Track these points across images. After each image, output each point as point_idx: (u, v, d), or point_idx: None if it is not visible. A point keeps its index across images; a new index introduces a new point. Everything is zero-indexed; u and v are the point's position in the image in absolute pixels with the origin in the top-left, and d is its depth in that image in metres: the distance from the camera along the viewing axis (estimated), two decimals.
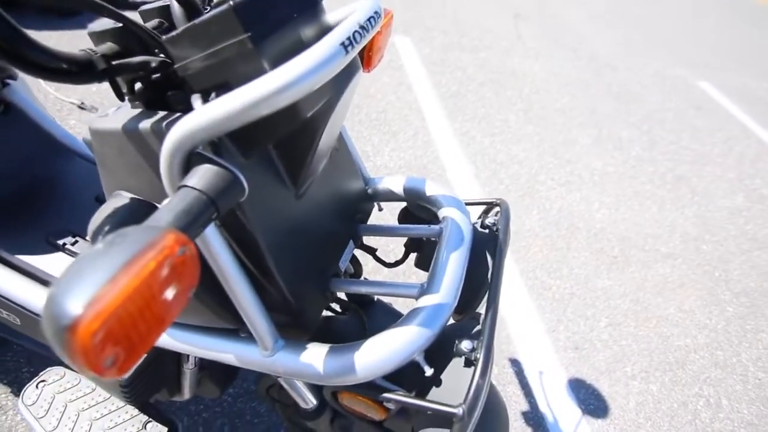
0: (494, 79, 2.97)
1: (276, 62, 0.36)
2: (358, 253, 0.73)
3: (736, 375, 1.59)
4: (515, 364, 1.49)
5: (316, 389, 0.67)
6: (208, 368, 0.90)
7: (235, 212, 0.44)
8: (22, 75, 1.07)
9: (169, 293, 0.29)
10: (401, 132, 2.36)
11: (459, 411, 0.43)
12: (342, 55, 0.33)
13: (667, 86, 3.30)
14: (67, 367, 1.01)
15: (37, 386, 0.88)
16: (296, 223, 0.51)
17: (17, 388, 1.19)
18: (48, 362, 1.00)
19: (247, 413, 1.26)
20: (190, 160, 0.36)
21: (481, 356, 0.45)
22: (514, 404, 1.37)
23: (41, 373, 0.97)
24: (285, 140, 0.46)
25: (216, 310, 0.51)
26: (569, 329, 1.63)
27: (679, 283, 1.89)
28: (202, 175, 0.35)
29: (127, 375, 0.67)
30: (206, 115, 0.34)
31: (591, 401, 1.44)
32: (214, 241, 0.42)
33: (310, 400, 0.71)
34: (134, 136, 0.43)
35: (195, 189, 0.34)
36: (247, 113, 0.33)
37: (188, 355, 0.81)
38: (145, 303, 0.27)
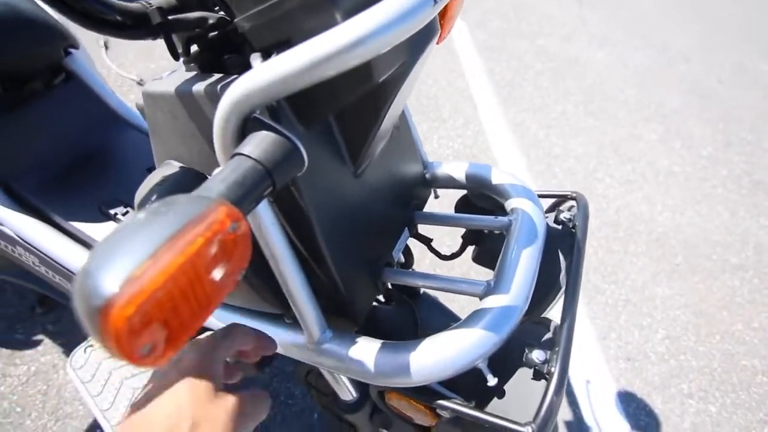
0: (553, 67, 2.80)
1: (349, 13, 0.31)
2: (411, 243, 0.68)
3: None
4: None
5: (360, 383, 0.63)
6: None
7: (289, 187, 0.40)
8: (83, 45, 1.09)
9: (217, 273, 0.25)
10: (451, 119, 2.27)
11: (527, 430, 0.37)
12: (430, 6, 0.28)
13: (747, 81, 2.99)
14: None
15: (85, 351, 0.90)
16: (352, 204, 0.47)
17: (70, 349, 1.24)
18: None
19: (282, 393, 1.26)
20: (246, 125, 0.32)
21: (556, 370, 0.39)
22: (560, 413, 1.30)
23: (90, 338, 1.00)
24: (349, 110, 0.41)
25: (262, 292, 0.48)
26: (622, 338, 1.51)
27: (749, 298, 1.71)
28: (259, 143, 0.31)
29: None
30: (266, 73, 0.30)
31: (641, 417, 1.33)
32: (265, 218, 0.38)
33: (350, 392, 0.67)
34: (187, 99, 0.39)
35: (250, 158, 0.30)
36: (312, 72, 0.28)
37: None
38: (189, 284, 0.24)
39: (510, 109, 2.40)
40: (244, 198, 0.28)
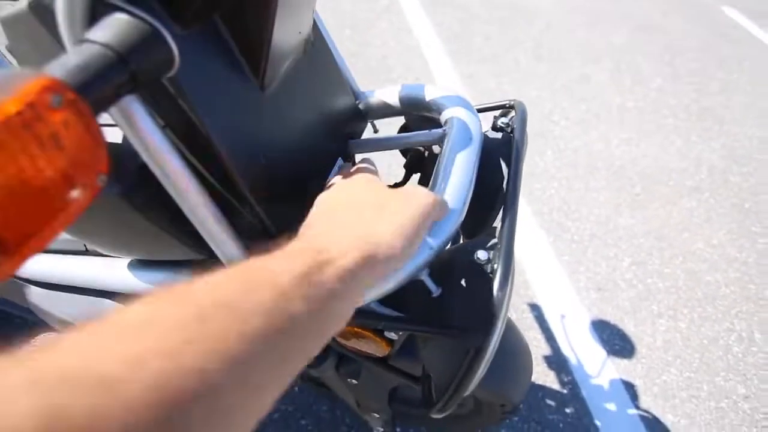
0: (500, 17, 2.77)
1: None
2: None
3: None
4: (535, 308, 1.42)
5: None
6: None
7: (178, 103, 0.34)
8: None
9: (48, 164, 0.20)
10: (402, 78, 2.21)
11: (475, 332, 0.35)
12: None
13: (690, 13, 3.04)
14: (56, 331, 0.96)
15: None
16: (265, 126, 0.42)
17: None
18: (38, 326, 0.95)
19: None
20: (95, 11, 0.27)
21: (499, 266, 0.36)
22: (536, 349, 1.31)
23: (33, 340, 0.93)
24: (235, 11, 0.36)
25: (181, 238, 0.43)
26: (590, 270, 1.54)
27: (706, 217, 1.77)
28: (108, 26, 0.26)
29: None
30: None
31: (616, 342, 1.37)
32: (156, 141, 0.33)
33: None
34: (41, 11, 0.33)
35: (97, 42, 0.25)
36: None
37: None
38: (7, 175, 0.19)
39: (460, 62, 2.36)
40: (86, 84, 0.23)
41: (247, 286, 0.21)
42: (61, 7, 0.27)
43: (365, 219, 0.30)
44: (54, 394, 0.14)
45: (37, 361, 0.15)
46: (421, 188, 0.34)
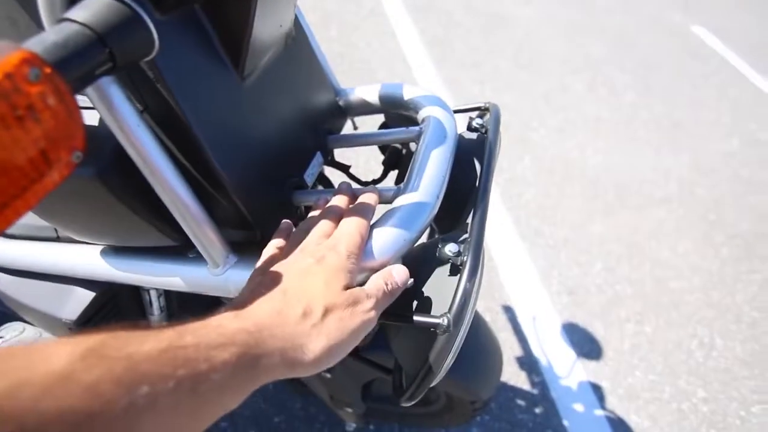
0: (483, 24, 2.82)
1: None
2: (335, 176, 0.65)
3: (731, 315, 1.57)
4: (508, 310, 1.45)
5: None
6: (178, 317, 0.83)
7: (156, 88, 0.35)
8: None
9: (24, 135, 0.21)
10: (386, 81, 2.23)
11: (443, 321, 0.36)
12: None
13: (664, 31, 3.16)
14: (26, 322, 0.94)
15: None
16: (244, 117, 0.43)
17: None
18: (6, 318, 0.92)
19: None
20: None
21: (468, 258, 0.38)
22: (508, 349, 1.34)
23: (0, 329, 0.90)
24: (216, 2, 0.37)
25: (156, 224, 0.43)
26: (563, 274, 1.58)
27: (674, 226, 1.84)
28: (88, 7, 0.26)
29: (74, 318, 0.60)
30: None
31: (585, 344, 1.41)
32: (132, 124, 0.34)
33: None
34: None
35: (76, 21, 0.25)
36: None
37: (151, 300, 0.73)
38: None
39: (443, 68, 2.39)
40: (64, 61, 0.23)
41: (174, 363, 0.23)
42: None
43: (308, 324, 0.30)
44: None
45: None
46: (369, 296, 0.34)
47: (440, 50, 2.51)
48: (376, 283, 0.35)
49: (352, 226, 0.37)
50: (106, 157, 0.37)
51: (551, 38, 2.85)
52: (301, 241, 0.38)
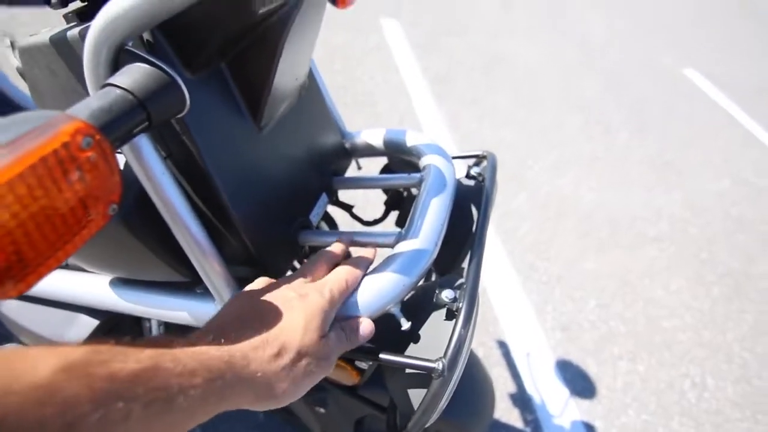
0: (483, 63, 2.92)
1: None
2: (338, 215, 0.68)
3: (722, 354, 1.58)
4: (502, 345, 1.46)
5: None
6: None
7: (185, 144, 0.38)
8: None
9: (73, 196, 0.23)
10: (387, 114, 2.30)
11: (438, 365, 0.38)
12: None
13: (656, 73, 3.28)
14: (23, 344, 0.94)
15: None
16: (257, 163, 0.46)
17: None
18: (2, 339, 0.93)
19: None
20: (118, 59, 0.30)
21: (463, 305, 0.40)
22: (501, 385, 1.34)
23: None
24: (242, 60, 0.40)
25: (168, 260, 0.45)
26: (557, 310, 1.60)
27: (666, 265, 1.87)
28: (130, 74, 0.29)
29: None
30: None
31: (578, 382, 1.41)
32: (157, 172, 0.36)
33: None
34: (63, 48, 0.36)
35: (119, 87, 0.28)
36: None
37: (151, 329, 0.75)
38: (38, 205, 0.22)
39: (444, 103, 2.47)
40: (109, 124, 0.26)
41: (150, 383, 0.25)
42: (88, 52, 0.30)
43: (280, 363, 0.32)
44: None
45: None
46: (336, 348, 0.37)
47: (442, 86, 2.60)
48: (338, 335, 0.38)
49: (342, 273, 0.40)
50: (130, 201, 0.39)
51: (548, 78, 2.95)
52: (292, 281, 0.40)
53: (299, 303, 0.36)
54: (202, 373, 0.27)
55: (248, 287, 0.41)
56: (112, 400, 0.22)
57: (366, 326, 0.39)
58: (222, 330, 0.33)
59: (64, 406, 0.21)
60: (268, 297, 0.37)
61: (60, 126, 0.22)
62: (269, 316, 0.35)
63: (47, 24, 0.41)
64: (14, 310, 0.68)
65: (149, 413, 0.24)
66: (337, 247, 0.46)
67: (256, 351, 0.32)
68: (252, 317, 0.35)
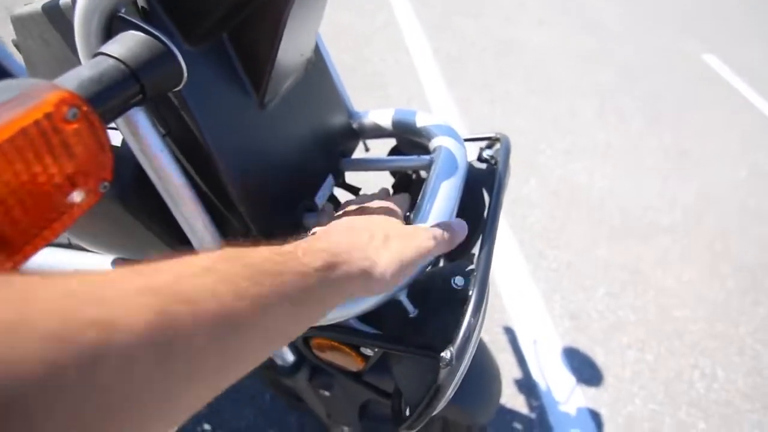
0: (496, 46, 2.85)
1: None
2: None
3: (734, 347, 1.55)
4: (509, 332, 1.45)
5: (296, 345, 0.61)
6: None
7: (180, 115, 0.36)
8: None
9: (58, 171, 0.22)
10: (397, 96, 2.26)
11: (446, 354, 0.36)
12: None
13: (673, 59, 3.18)
14: None
15: None
16: (261, 141, 0.44)
17: None
18: None
19: None
20: (111, 26, 0.29)
21: (473, 293, 0.38)
22: (507, 372, 1.33)
23: None
24: (243, 31, 0.38)
25: (167, 239, 0.44)
26: (565, 298, 1.58)
27: (679, 255, 1.84)
28: (123, 42, 0.27)
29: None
30: None
31: (585, 370, 1.40)
32: (155, 150, 0.35)
33: (286, 356, 0.65)
34: (55, 15, 0.35)
35: (111, 56, 0.26)
36: None
37: None
38: (14, 176, 0.20)
39: (455, 87, 2.42)
40: (98, 95, 0.25)
41: (279, 267, 0.27)
42: (79, 19, 0.28)
43: (374, 244, 0.35)
44: (169, 304, 0.19)
45: (153, 277, 0.20)
46: (426, 230, 0.39)
47: (453, 69, 2.54)
48: (436, 230, 0.40)
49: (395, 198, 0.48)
50: (127, 179, 0.38)
51: (561, 64, 2.87)
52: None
53: (373, 211, 0.43)
54: (319, 254, 0.30)
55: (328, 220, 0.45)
56: (260, 277, 0.24)
57: (461, 224, 0.42)
58: (320, 234, 0.37)
59: (224, 284, 0.22)
60: (346, 215, 0.43)
61: (43, 95, 0.21)
62: (354, 223, 0.39)
63: None
64: None
65: (289, 290, 0.26)
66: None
67: (351, 242, 0.35)
68: (340, 228, 0.39)
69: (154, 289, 0.19)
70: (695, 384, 1.42)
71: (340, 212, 0.47)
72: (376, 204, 0.46)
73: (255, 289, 0.24)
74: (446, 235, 0.39)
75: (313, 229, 0.38)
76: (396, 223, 0.39)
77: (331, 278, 0.30)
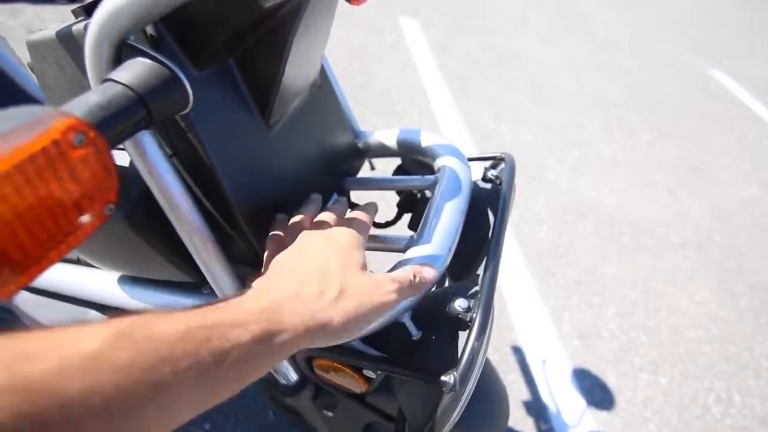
0: (500, 61, 2.88)
1: None
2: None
3: (749, 369, 1.51)
4: (517, 352, 1.42)
5: (295, 362, 0.60)
6: None
7: (190, 141, 0.37)
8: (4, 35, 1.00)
9: (64, 195, 0.22)
10: (405, 113, 2.27)
11: (449, 379, 0.36)
12: None
13: (678, 73, 3.18)
14: None
15: None
16: (267, 162, 0.44)
17: None
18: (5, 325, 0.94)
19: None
20: (120, 54, 0.29)
21: (477, 316, 0.38)
22: (516, 393, 1.31)
23: None
24: (249, 55, 0.39)
25: (173, 260, 0.44)
26: (575, 317, 1.55)
27: (691, 273, 1.80)
28: (131, 69, 0.28)
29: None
30: None
31: (596, 392, 1.36)
32: (161, 170, 0.35)
33: (289, 375, 0.64)
34: (69, 43, 0.36)
35: (119, 82, 0.27)
36: None
37: None
38: (21, 200, 0.20)
39: (461, 101, 2.43)
40: (106, 121, 0.25)
41: (197, 342, 0.24)
42: (90, 46, 0.29)
43: (324, 301, 0.32)
44: (38, 402, 0.17)
45: (23, 367, 0.18)
46: (389, 281, 0.35)
47: (459, 84, 2.56)
48: (405, 273, 0.36)
49: (357, 215, 0.40)
50: (134, 200, 0.38)
51: (565, 77, 2.88)
52: (302, 229, 0.39)
53: (327, 243, 0.36)
54: (247, 326, 0.27)
55: (267, 252, 0.40)
56: (161, 363, 0.22)
57: (430, 270, 0.38)
58: (261, 286, 0.33)
59: (117, 374, 0.20)
60: (295, 251, 0.36)
61: (50, 122, 0.21)
62: (305, 269, 0.34)
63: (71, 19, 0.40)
64: (29, 302, 0.68)
65: (200, 373, 0.24)
66: (337, 209, 0.44)
67: (298, 296, 0.31)
68: (286, 272, 0.34)
69: (23, 385, 0.17)
70: (711, 409, 1.38)
71: (294, 229, 0.40)
72: (334, 222, 0.40)
73: (153, 376, 0.21)
74: (414, 280, 0.36)
75: (253, 283, 0.34)
76: (354, 273, 0.34)
77: (271, 344, 0.28)
